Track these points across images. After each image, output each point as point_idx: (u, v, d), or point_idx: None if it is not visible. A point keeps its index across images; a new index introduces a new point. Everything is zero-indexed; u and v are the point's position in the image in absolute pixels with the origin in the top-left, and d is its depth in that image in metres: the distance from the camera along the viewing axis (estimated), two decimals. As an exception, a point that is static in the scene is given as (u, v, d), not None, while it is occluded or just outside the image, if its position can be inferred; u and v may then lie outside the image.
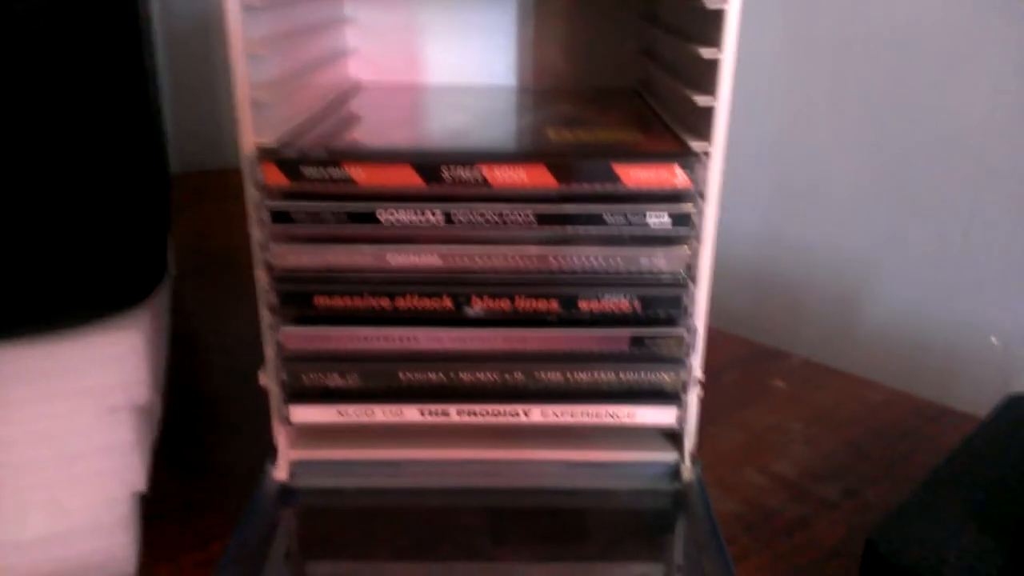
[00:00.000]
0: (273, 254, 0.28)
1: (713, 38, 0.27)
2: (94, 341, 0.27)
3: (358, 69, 0.43)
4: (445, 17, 0.42)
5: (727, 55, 0.27)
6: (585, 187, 0.28)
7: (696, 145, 0.28)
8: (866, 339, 0.51)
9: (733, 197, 0.32)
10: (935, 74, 0.46)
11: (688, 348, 0.30)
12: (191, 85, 0.75)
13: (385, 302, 0.29)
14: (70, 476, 0.28)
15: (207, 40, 0.75)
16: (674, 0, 0.35)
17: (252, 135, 0.27)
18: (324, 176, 0.27)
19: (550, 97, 0.40)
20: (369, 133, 0.33)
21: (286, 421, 0.30)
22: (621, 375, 0.30)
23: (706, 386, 0.31)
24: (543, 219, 0.28)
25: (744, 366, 0.44)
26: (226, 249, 0.57)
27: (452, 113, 0.37)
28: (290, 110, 0.31)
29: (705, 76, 0.28)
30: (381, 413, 0.30)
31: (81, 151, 0.26)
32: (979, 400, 0.38)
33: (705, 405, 0.32)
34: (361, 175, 0.28)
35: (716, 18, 0.27)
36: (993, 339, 0.45)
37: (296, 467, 0.32)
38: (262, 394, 0.31)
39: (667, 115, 0.34)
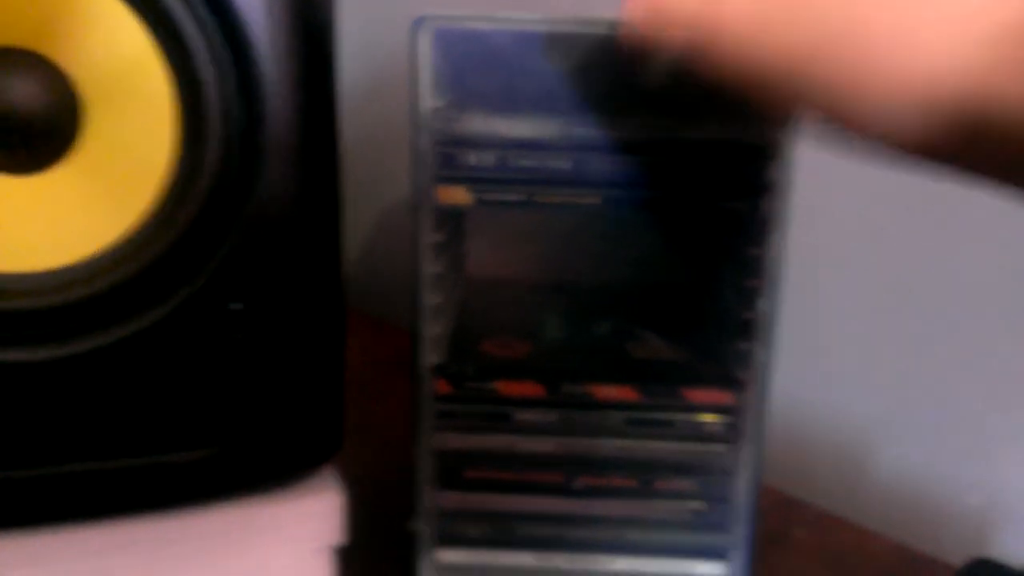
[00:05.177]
0: (437, 440, 0.39)
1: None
2: (303, 495, 0.38)
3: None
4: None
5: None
6: (661, 401, 0.39)
7: (743, 375, 0.39)
8: (870, 492, 0.61)
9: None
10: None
11: (736, 517, 0.40)
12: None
13: (514, 475, 0.40)
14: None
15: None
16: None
17: (429, 357, 0.39)
18: (476, 386, 0.39)
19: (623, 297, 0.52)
20: (499, 343, 0.44)
21: (432, 560, 0.41)
22: (685, 537, 0.40)
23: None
24: (630, 421, 0.39)
25: (768, 514, 0.54)
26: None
27: (548, 315, 0.49)
28: (447, 322, 0.43)
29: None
30: (503, 558, 0.41)
31: (292, 358, 0.37)
32: (964, 550, 0.48)
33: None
34: (502, 386, 0.39)
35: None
36: (971, 499, 0.55)
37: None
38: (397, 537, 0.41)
39: (715, 320, 0.45)
